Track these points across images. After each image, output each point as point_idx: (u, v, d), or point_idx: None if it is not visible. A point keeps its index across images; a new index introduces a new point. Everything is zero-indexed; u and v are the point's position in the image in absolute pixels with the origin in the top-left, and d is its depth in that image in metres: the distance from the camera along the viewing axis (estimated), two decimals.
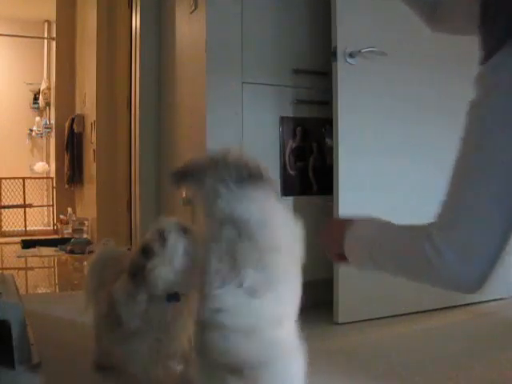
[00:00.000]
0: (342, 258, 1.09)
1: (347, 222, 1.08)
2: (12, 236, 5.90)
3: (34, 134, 6.81)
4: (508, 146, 0.83)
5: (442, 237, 0.91)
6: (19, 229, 6.17)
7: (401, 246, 0.99)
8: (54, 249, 4.66)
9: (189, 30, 2.68)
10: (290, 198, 2.57)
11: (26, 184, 6.36)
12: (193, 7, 2.55)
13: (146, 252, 1.35)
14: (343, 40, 2.32)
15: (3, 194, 6.29)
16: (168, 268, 1.33)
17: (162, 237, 1.36)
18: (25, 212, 6.21)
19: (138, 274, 1.36)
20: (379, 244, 1.02)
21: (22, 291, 2.94)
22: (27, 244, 4.97)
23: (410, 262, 0.97)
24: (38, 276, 4.02)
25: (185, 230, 1.39)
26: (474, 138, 0.89)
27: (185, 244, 1.35)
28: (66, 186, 5.66)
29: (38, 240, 5.17)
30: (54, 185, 6.18)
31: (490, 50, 0.89)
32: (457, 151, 0.93)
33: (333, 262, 1.14)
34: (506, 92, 0.84)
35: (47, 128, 6.66)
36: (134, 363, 1.43)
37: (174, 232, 1.36)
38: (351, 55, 2.33)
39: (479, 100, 0.91)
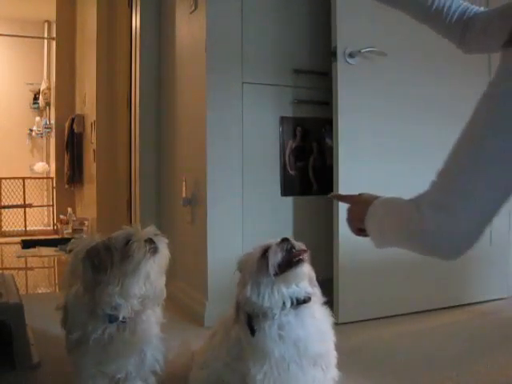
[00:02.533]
0: (363, 232, 1.14)
1: (370, 199, 1.12)
2: (12, 236, 5.90)
3: (34, 134, 6.80)
4: None
5: (431, 208, 0.94)
6: (19, 229, 6.17)
7: (395, 216, 1.05)
8: (53, 249, 4.66)
9: (189, 29, 2.68)
10: (290, 198, 2.57)
11: (26, 184, 6.36)
12: (193, 7, 2.55)
13: (98, 268, 1.28)
14: (343, 40, 2.32)
15: (3, 193, 6.29)
16: (117, 289, 1.27)
17: (123, 253, 1.28)
18: (25, 212, 6.21)
19: (89, 288, 1.29)
20: (384, 217, 1.08)
21: (22, 291, 2.94)
22: (27, 244, 4.97)
23: (403, 230, 1.02)
24: (38, 276, 4.02)
25: (150, 241, 1.30)
26: (486, 121, 0.90)
27: (148, 260, 1.28)
28: (66, 186, 5.66)
29: (38, 240, 5.17)
30: (54, 185, 6.18)
31: None
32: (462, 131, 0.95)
33: (356, 235, 1.20)
34: None
35: (47, 128, 6.65)
36: (78, 375, 1.37)
37: (137, 248, 1.28)
38: (351, 55, 2.33)
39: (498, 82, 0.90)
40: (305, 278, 1.26)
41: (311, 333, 1.24)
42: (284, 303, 1.22)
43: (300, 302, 1.24)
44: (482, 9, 1.31)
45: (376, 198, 1.13)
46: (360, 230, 1.16)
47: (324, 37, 2.48)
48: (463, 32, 1.31)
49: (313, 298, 1.27)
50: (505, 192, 0.89)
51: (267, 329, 1.22)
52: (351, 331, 2.24)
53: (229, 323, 1.33)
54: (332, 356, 1.28)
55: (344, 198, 1.29)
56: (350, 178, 2.35)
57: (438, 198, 0.95)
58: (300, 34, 2.60)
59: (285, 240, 1.24)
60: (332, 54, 2.34)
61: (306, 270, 1.24)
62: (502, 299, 2.73)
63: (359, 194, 1.21)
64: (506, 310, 2.59)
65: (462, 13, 1.31)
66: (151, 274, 1.30)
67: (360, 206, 1.15)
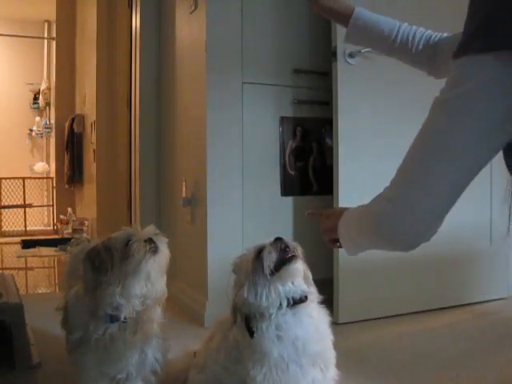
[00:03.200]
0: (338, 242, 1.19)
1: (342, 211, 1.17)
2: (12, 236, 5.90)
3: (34, 134, 6.80)
4: (468, 132, 0.91)
5: (388, 203, 1.01)
6: (19, 229, 6.17)
7: (360, 215, 1.10)
8: (53, 249, 4.66)
9: (189, 29, 2.68)
10: (290, 198, 2.57)
11: (26, 184, 6.36)
12: (193, 7, 2.55)
13: (98, 268, 1.28)
14: (343, 40, 2.32)
15: (3, 193, 6.29)
16: (118, 289, 1.26)
17: (123, 253, 1.27)
18: (25, 212, 6.21)
19: (90, 289, 1.29)
20: (352, 221, 1.13)
21: (22, 291, 2.94)
22: (27, 244, 4.97)
23: (366, 225, 1.06)
24: (38, 276, 4.02)
25: (150, 241, 1.30)
26: (437, 124, 0.97)
27: (148, 260, 1.28)
28: (66, 186, 5.66)
29: (38, 240, 5.17)
30: (54, 185, 6.18)
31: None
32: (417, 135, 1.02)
33: (330, 247, 1.26)
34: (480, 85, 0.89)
35: (47, 128, 6.65)
36: (79, 376, 1.37)
37: (137, 248, 1.28)
38: (351, 55, 2.33)
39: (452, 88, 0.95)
40: (299, 275, 1.26)
41: (309, 332, 1.24)
42: (281, 303, 1.23)
43: (296, 301, 1.24)
44: (445, 34, 1.33)
45: (347, 209, 1.17)
46: (334, 241, 1.19)
47: (324, 37, 2.48)
48: (431, 57, 1.35)
49: (309, 297, 1.27)
50: (454, 191, 0.95)
51: (265, 329, 1.22)
52: (351, 331, 2.24)
53: (226, 326, 1.33)
54: (331, 355, 1.28)
55: (318, 214, 1.34)
56: (350, 177, 2.35)
57: (393, 193, 1.01)
58: (300, 34, 2.60)
59: (278, 240, 1.25)
60: (332, 54, 2.34)
61: (299, 266, 1.24)
62: (502, 299, 2.73)
63: (332, 208, 1.25)
64: (505, 310, 2.59)
65: (427, 40, 1.34)
66: (152, 274, 1.30)
67: (333, 218, 1.19)
